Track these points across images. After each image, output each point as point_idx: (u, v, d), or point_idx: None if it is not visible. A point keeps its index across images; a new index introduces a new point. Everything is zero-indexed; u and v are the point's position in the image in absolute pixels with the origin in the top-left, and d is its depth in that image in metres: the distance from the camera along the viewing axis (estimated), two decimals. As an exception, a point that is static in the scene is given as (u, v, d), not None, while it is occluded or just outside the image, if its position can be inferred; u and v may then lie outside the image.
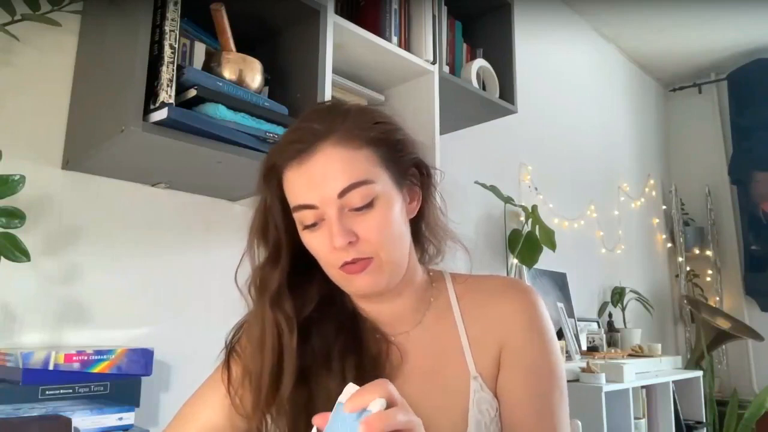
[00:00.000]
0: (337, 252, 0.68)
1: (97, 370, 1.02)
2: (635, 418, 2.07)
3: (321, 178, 0.67)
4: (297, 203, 0.69)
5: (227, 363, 0.77)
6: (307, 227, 0.70)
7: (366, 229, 0.67)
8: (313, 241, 0.70)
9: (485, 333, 0.75)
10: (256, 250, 0.74)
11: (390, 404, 0.52)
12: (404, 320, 0.77)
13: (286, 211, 0.71)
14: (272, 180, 0.72)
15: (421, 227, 0.78)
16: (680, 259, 3.62)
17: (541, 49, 2.78)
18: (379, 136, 0.70)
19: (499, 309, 0.76)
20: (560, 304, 2.39)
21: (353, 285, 0.70)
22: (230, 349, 0.78)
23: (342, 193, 0.67)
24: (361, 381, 0.70)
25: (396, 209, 0.70)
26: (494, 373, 0.74)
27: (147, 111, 1.01)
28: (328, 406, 0.64)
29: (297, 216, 0.70)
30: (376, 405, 0.52)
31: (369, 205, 0.68)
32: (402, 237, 0.71)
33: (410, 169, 0.75)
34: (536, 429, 0.71)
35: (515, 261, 2.30)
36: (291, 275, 0.74)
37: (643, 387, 2.20)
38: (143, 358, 1.09)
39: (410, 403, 0.71)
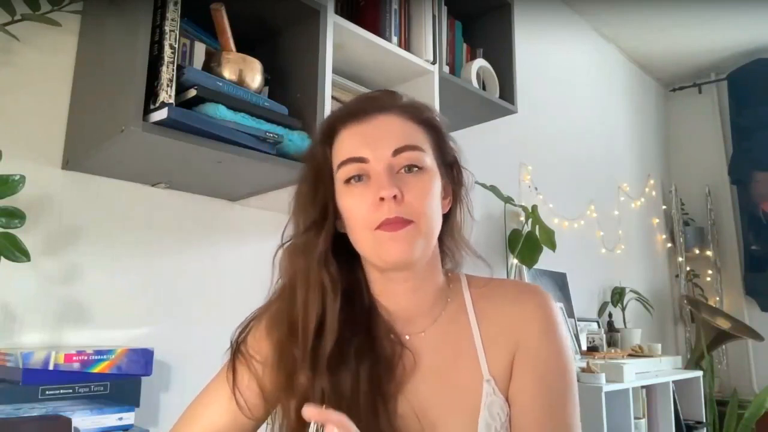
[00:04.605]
0: (380, 209, 0.67)
1: (97, 370, 1.02)
2: (635, 418, 2.07)
3: (378, 137, 0.70)
4: (347, 157, 0.70)
5: (232, 363, 0.77)
6: (349, 181, 0.70)
7: (412, 191, 0.69)
8: (353, 198, 0.70)
9: (499, 336, 0.74)
10: (300, 218, 0.74)
11: None
12: (420, 318, 0.76)
13: (333, 177, 0.73)
14: (327, 141, 0.74)
15: (445, 230, 0.77)
16: (680, 259, 3.62)
17: (541, 49, 2.78)
18: (432, 121, 0.75)
19: (514, 313, 0.75)
20: (560, 304, 2.39)
21: (385, 247, 0.68)
22: (236, 349, 0.77)
23: (396, 152, 0.69)
24: (375, 380, 0.70)
25: (437, 187, 0.72)
26: (507, 377, 0.73)
27: (147, 111, 1.00)
28: (341, 403, 0.64)
29: (342, 171, 0.71)
30: None
31: (419, 170, 0.70)
32: (438, 215, 0.73)
33: (452, 165, 0.77)
34: None
35: (515, 261, 2.30)
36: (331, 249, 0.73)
37: (643, 387, 2.20)
38: (143, 358, 1.08)
39: (422, 404, 0.71)
